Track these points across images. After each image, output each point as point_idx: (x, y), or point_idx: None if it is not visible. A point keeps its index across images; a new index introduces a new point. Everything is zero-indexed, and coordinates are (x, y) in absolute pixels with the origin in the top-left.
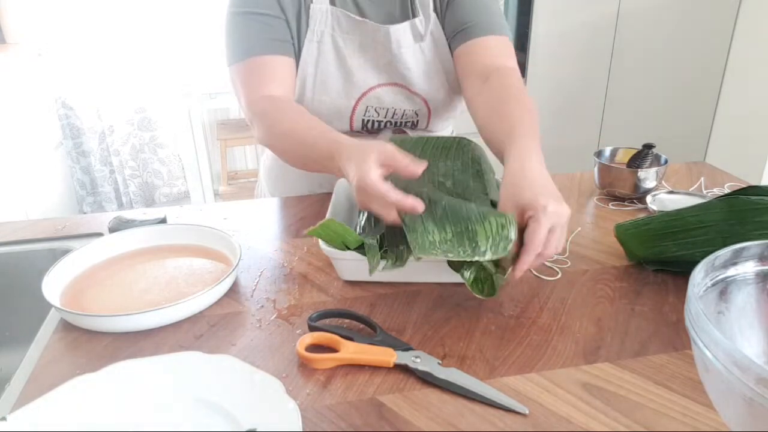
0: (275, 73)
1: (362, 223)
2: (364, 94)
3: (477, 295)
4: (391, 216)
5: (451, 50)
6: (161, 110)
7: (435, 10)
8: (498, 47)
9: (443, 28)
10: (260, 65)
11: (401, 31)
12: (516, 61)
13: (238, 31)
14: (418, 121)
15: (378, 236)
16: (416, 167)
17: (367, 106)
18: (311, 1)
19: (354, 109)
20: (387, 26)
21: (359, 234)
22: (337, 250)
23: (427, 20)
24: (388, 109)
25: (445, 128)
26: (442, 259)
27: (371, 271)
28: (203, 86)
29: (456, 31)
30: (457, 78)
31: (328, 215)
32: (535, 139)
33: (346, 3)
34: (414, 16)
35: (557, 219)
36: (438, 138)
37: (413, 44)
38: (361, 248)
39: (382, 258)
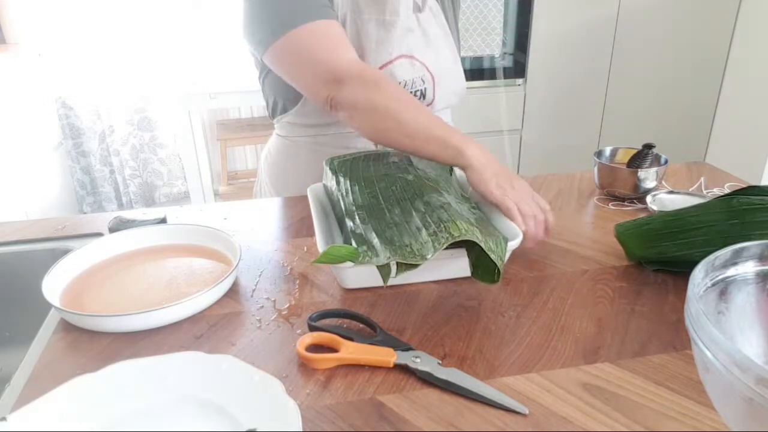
0: (341, 37)
1: (357, 222)
2: None
3: (480, 281)
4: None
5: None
6: (161, 110)
7: None
8: None
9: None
10: (326, 29)
11: None
12: None
13: (278, 1)
14: (425, 89)
15: (374, 239)
16: None
17: None
18: None
19: None
20: None
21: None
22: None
23: None
24: (399, 83)
25: (450, 103)
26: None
27: (386, 282)
28: (203, 86)
29: None
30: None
31: (315, 223)
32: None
33: None
34: None
35: (519, 198)
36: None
37: (411, 14)
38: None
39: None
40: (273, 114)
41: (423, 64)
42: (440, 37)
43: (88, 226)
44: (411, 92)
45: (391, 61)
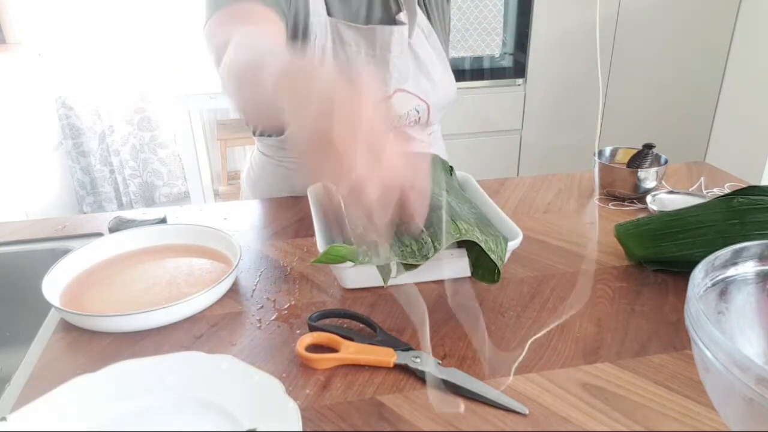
0: (260, 17)
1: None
2: None
3: (480, 281)
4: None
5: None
6: (161, 110)
7: (419, 3)
8: None
9: (428, 14)
10: (245, 10)
11: (403, 31)
12: None
13: None
14: (420, 117)
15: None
16: None
17: None
18: (309, 16)
19: None
20: (391, 27)
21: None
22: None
23: (412, 15)
24: (398, 117)
25: (439, 119)
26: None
27: (386, 282)
28: (203, 86)
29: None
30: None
31: (315, 223)
32: None
33: (345, 10)
34: (399, 11)
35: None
36: None
37: (407, 49)
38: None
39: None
40: (253, 132)
41: (417, 96)
42: (433, 57)
43: (88, 226)
44: (407, 123)
45: (389, 97)
